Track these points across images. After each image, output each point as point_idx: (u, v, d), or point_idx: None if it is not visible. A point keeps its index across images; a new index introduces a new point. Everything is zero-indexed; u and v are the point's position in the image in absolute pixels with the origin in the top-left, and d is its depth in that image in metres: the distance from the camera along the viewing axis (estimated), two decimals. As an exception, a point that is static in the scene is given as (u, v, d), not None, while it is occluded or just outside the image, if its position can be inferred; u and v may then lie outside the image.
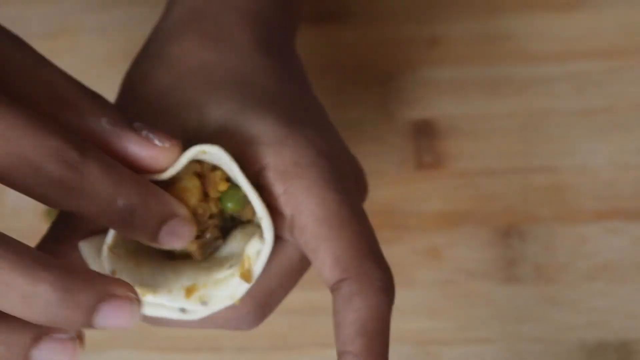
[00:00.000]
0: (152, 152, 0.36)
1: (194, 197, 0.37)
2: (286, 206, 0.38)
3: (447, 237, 0.58)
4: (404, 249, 0.58)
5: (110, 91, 0.64)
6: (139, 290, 0.37)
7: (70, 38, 0.64)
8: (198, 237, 0.38)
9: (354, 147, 0.44)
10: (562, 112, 0.61)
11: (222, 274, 0.38)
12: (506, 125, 0.61)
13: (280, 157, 0.38)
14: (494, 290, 0.57)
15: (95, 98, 0.37)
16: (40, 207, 0.60)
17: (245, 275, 0.37)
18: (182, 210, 0.37)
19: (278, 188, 0.38)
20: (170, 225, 0.36)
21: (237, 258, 0.38)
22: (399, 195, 0.59)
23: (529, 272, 0.57)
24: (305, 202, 0.37)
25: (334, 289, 0.36)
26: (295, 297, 0.59)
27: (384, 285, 0.37)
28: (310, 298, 0.57)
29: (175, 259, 0.39)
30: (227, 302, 0.38)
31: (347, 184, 0.39)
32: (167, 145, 0.36)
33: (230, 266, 0.38)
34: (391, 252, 0.59)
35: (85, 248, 0.38)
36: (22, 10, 0.65)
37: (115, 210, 0.34)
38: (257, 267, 0.37)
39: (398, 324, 0.58)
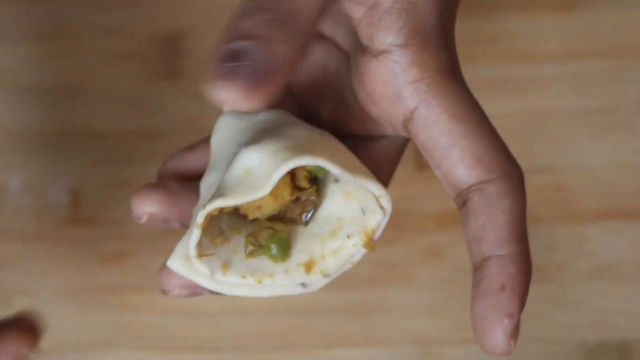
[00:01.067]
0: None
1: (287, 194, 0.36)
2: (411, 98, 0.35)
3: (447, 237, 0.58)
4: (404, 249, 0.58)
5: (109, 92, 0.64)
6: (251, 279, 0.36)
7: (70, 38, 0.64)
8: (297, 200, 0.37)
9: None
10: (562, 112, 0.61)
11: (337, 243, 0.37)
12: (506, 125, 0.60)
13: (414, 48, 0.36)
14: (494, 290, 0.57)
15: None
16: (41, 206, 0.60)
17: (370, 246, 0.37)
18: None
19: (409, 76, 0.35)
20: None
21: (350, 226, 0.37)
22: (399, 195, 0.59)
23: (529, 272, 0.57)
24: (439, 97, 0.35)
25: (474, 189, 0.35)
26: (295, 297, 0.59)
27: (524, 188, 0.36)
28: (310, 298, 0.57)
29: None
30: (347, 267, 0.37)
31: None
32: None
33: (348, 237, 0.37)
34: (391, 252, 0.59)
35: (175, 264, 0.36)
36: (22, 10, 0.65)
37: None
38: (378, 235, 0.37)
39: (398, 324, 0.58)
